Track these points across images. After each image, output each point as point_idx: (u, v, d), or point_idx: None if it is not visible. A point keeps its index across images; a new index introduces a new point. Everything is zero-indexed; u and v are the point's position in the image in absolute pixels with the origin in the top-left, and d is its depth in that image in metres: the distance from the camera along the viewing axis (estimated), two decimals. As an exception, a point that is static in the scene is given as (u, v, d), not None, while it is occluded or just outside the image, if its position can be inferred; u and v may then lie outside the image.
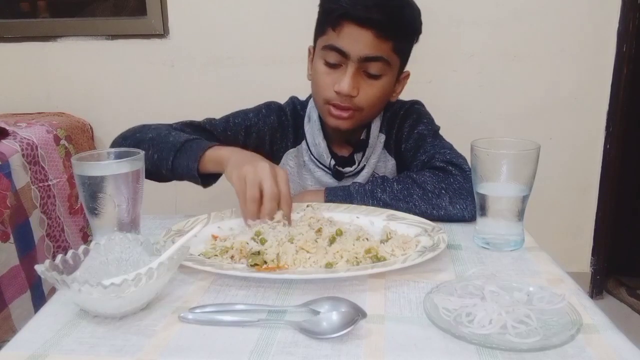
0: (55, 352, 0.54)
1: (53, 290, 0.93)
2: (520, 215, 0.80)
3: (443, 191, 0.94)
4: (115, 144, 1.08)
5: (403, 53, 1.03)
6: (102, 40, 2.12)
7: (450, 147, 1.07)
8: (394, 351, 0.54)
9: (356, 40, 0.96)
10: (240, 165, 0.86)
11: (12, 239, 1.46)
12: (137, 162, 0.75)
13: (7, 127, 1.65)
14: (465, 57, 2.02)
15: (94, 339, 0.57)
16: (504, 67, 2.06)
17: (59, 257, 0.62)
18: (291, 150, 1.15)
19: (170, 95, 2.14)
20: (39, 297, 1.55)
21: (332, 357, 0.53)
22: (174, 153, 0.96)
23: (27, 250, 1.54)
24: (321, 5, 1.03)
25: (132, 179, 0.74)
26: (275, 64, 2.08)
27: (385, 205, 0.95)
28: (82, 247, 0.65)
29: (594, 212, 2.21)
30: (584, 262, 2.26)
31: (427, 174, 0.98)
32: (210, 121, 1.14)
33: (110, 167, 0.74)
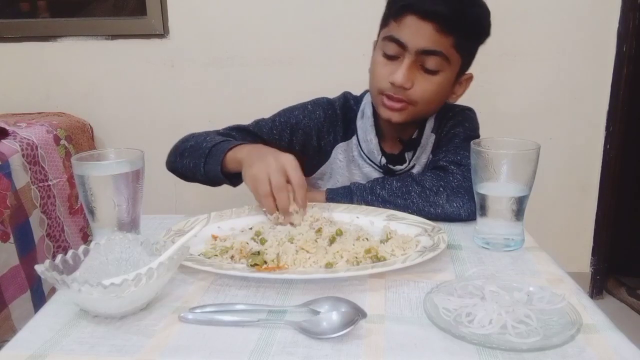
0: (55, 352, 0.55)
1: (53, 290, 0.93)
2: (520, 215, 0.80)
3: (441, 189, 0.94)
4: (170, 153, 1.09)
5: (465, 51, 1.01)
6: (102, 40, 2.12)
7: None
8: (394, 351, 0.54)
9: (416, 32, 0.95)
10: (250, 165, 0.89)
11: (12, 239, 1.46)
12: (137, 162, 0.75)
13: (7, 127, 1.65)
14: (465, 57, 2.02)
15: (94, 339, 0.57)
16: (504, 67, 2.06)
17: (59, 257, 0.62)
18: (341, 144, 1.14)
19: (170, 95, 2.14)
20: (39, 297, 1.55)
21: (332, 357, 0.53)
22: (204, 159, 0.98)
23: (27, 250, 1.54)
24: None
25: (132, 179, 0.74)
26: (275, 64, 2.08)
27: (384, 201, 0.95)
28: (82, 247, 0.65)
29: (594, 212, 2.21)
30: (584, 262, 2.26)
31: (428, 173, 0.99)
32: (257, 123, 1.13)
33: (110, 167, 0.74)
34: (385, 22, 1.02)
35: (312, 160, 1.13)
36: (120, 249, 0.68)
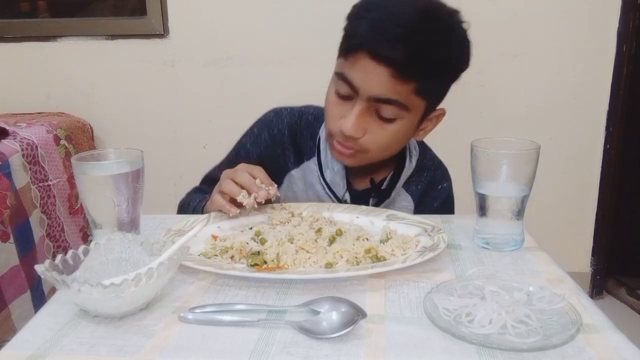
0: (55, 352, 0.54)
1: (53, 290, 0.93)
2: (520, 215, 0.80)
3: None
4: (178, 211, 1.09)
5: (431, 94, 0.88)
6: (102, 40, 2.12)
7: None
8: (394, 351, 0.54)
9: (369, 76, 0.82)
10: (211, 201, 0.89)
11: (12, 239, 1.46)
12: (137, 162, 0.75)
13: (7, 127, 1.65)
14: (465, 57, 2.02)
15: (94, 339, 0.57)
16: (504, 67, 2.06)
17: (59, 257, 0.62)
18: (294, 171, 1.01)
19: (170, 95, 2.15)
20: (39, 297, 1.55)
21: (332, 357, 0.53)
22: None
23: (27, 250, 1.54)
24: (344, 28, 0.89)
25: (132, 179, 0.74)
26: (275, 64, 2.08)
27: None
28: (82, 247, 0.65)
29: (594, 212, 2.21)
30: (584, 262, 2.26)
31: None
32: (218, 167, 1.06)
33: (110, 167, 0.74)
34: (339, 53, 0.89)
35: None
36: (120, 249, 0.68)
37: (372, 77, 0.82)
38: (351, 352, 0.54)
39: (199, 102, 2.11)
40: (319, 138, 1.00)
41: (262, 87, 2.09)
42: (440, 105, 0.95)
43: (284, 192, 1.01)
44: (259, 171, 0.85)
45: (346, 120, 0.86)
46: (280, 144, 1.01)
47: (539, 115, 2.10)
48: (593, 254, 2.25)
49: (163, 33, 2.09)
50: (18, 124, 1.76)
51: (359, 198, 0.99)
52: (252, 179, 0.83)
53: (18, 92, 2.18)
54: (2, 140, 1.57)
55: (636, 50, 2.01)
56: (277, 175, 0.99)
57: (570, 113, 2.11)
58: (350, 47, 0.84)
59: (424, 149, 1.07)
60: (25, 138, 1.64)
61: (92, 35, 2.12)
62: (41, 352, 0.54)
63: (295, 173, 1.02)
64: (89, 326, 0.59)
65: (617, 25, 2.01)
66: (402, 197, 1.03)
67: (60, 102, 2.16)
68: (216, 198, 0.87)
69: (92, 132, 2.15)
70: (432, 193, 1.05)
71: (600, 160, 2.15)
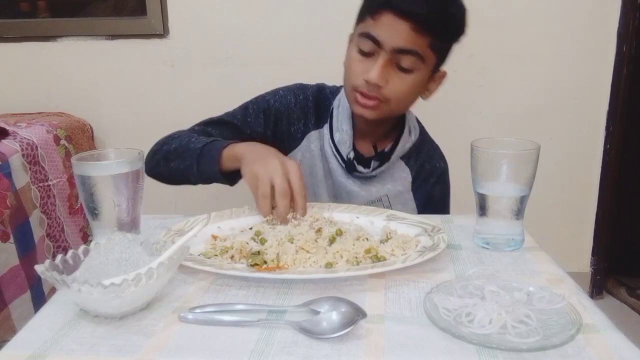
0: (55, 352, 0.54)
1: (53, 290, 0.93)
2: (520, 215, 0.80)
3: None
4: (148, 158, 1.07)
5: (440, 51, 1.00)
6: (102, 40, 2.12)
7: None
8: (394, 351, 0.54)
9: (392, 30, 0.94)
10: (252, 163, 0.89)
11: (12, 239, 1.46)
12: (137, 162, 0.75)
13: (7, 127, 1.65)
14: (465, 57, 2.02)
15: (94, 339, 0.57)
16: (504, 67, 2.06)
17: (59, 257, 0.62)
18: (313, 132, 1.13)
19: (170, 95, 2.15)
20: (39, 297, 1.55)
21: (332, 357, 0.53)
22: (196, 160, 0.98)
23: (27, 250, 1.54)
24: None
25: (132, 179, 0.74)
26: (275, 64, 2.08)
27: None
28: (82, 247, 0.65)
29: (594, 212, 2.21)
30: (584, 262, 2.26)
31: None
32: (229, 113, 1.14)
33: (110, 167, 0.74)
34: (361, 17, 1.00)
35: (282, 145, 1.10)
36: (120, 249, 0.68)
37: (395, 30, 0.94)
38: (351, 352, 0.54)
39: (199, 102, 2.11)
40: (332, 108, 1.12)
41: (262, 87, 2.08)
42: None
43: (302, 152, 1.13)
44: (301, 201, 0.86)
45: (372, 71, 0.96)
46: (304, 108, 1.13)
47: (539, 116, 2.10)
48: (593, 254, 2.25)
49: (163, 33, 2.09)
50: (18, 124, 1.76)
51: (362, 160, 1.10)
52: (288, 210, 0.85)
53: (18, 92, 2.18)
54: (2, 140, 1.57)
55: (636, 50, 2.01)
56: (297, 134, 1.13)
57: (570, 113, 2.10)
58: (376, 7, 0.95)
59: (423, 132, 1.18)
60: (25, 138, 1.64)
61: (92, 35, 2.12)
62: (41, 352, 0.54)
63: (314, 134, 1.13)
64: (89, 326, 0.59)
65: (617, 25, 2.01)
66: (402, 168, 1.13)
67: (60, 102, 2.16)
68: (260, 204, 0.87)
69: (92, 132, 2.14)
70: (429, 168, 1.15)
71: (600, 160, 2.15)
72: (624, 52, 2.01)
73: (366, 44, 0.97)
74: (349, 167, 1.09)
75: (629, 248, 2.26)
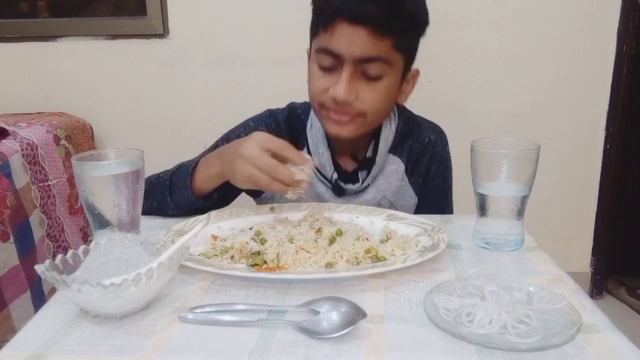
0: (55, 352, 0.54)
1: (53, 290, 0.93)
2: (520, 215, 0.80)
3: None
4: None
5: (406, 49, 0.93)
6: (102, 40, 2.12)
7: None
8: (394, 351, 0.54)
9: (350, 40, 0.87)
10: (232, 169, 0.83)
11: (12, 239, 1.46)
12: (137, 162, 0.75)
13: (7, 127, 1.65)
14: (466, 57, 2.02)
15: (94, 339, 0.57)
16: (504, 67, 2.06)
17: (59, 257, 0.62)
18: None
19: (170, 95, 2.15)
20: (39, 297, 1.55)
21: (332, 357, 0.53)
22: (168, 191, 0.93)
23: (27, 250, 1.54)
24: (313, 3, 0.95)
25: (132, 179, 0.74)
26: (275, 64, 2.08)
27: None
28: (82, 247, 0.65)
29: (594, 212, 2.21)
30: (584, 262, 2.27)
31: None
32: (202, 153, 1.04)
33: (110, 167, 0.74)
34: (314, 31, 0.94)
35: None
36: (120, 249, 0.68)
37: (354, 39, 0.87)
38: (351, 352, 0.54)
39: (199, 102, 2.11)
40: (307, 128, 1.05)
41: (262, 87, 2.09)
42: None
43: None
44: (290, 152, 0.81)
45: (337, 86, 0.90)
46: (277, 136, 1.03)
47: (539, 116, 2.10)
48: (593, 254, 2.25)
49: (163, 33, 2.09)
50: (18, 124, 1.76)
51: (347, 176, 1.03)
52: (291, 175, 0.79)
53: (18, 92, 2.18)
54: (2, 140, 1.57)
55: (636, 50, 2.01)
56: None
57: (570, 113, 2.11)
58: (326, 18, 0.89)
59: (403, 112, 1.10)
60: (25, 138, 1.64)
61: (92, 35, 2.12)
62: (41, 352, 0.54)
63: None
64: (89, 326, 0.59)
65: (617, 25, 2.01)
66: (391, 161, 1.06)
67: (60, 102, 2.16)
68: (275, 189, 0.81)
69: (92, 132, 2.15)
70: (419, 147, 1.08)
71: (600, 160, 2.15)
72: (624, 52, 2.01)
73: (326, 59, 0.91)
74: (336, 190, 1.04)
75: (629, 248, 2.26)
